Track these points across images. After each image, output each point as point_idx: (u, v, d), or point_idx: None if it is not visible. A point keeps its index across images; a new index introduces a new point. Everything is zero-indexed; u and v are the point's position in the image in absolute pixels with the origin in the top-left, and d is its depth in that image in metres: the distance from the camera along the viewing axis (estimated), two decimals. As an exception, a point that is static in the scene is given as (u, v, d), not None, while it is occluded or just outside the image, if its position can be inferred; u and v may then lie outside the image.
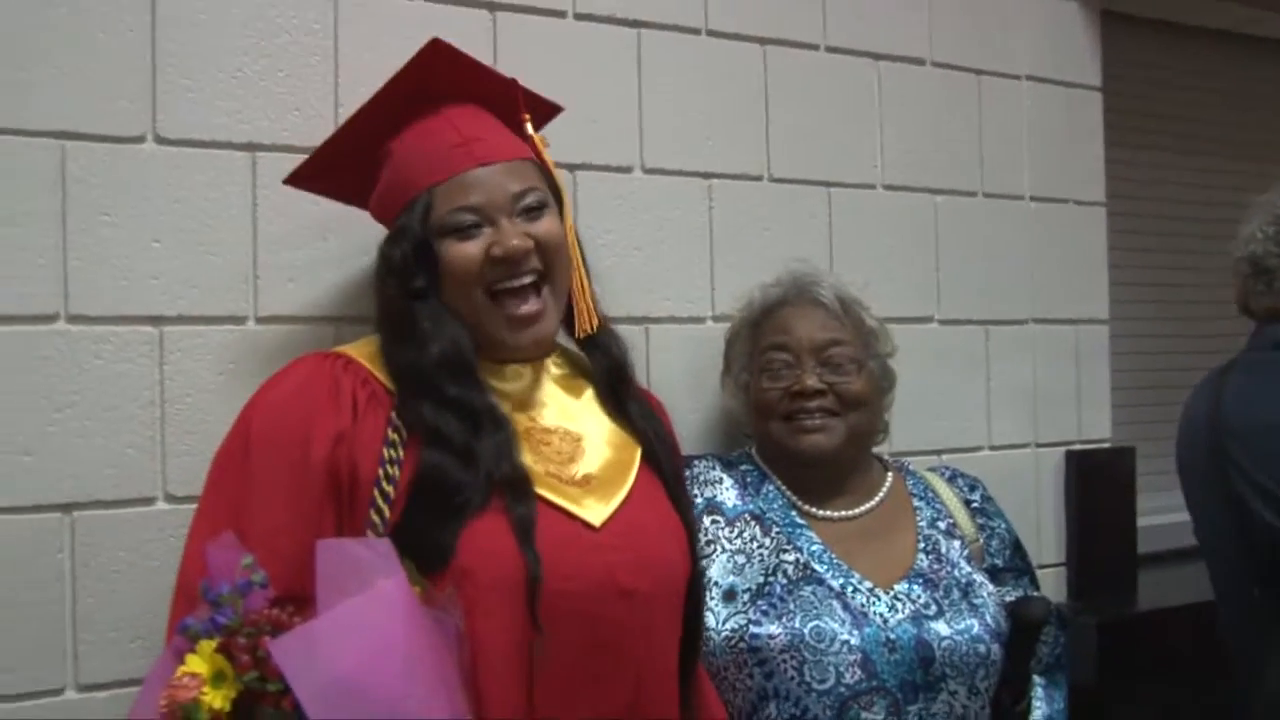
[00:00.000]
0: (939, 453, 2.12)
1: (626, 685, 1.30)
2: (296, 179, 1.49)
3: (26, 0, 1.45)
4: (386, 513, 1.25)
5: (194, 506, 1.38)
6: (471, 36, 1.69)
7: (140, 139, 1.51)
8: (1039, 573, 2.23)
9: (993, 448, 2.23)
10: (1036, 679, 1.73)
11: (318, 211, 1.58)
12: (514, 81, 1.45)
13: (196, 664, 1.12)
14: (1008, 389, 2.24)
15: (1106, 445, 2.38)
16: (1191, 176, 2.64)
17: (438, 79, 1.41)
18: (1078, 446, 2.34)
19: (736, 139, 1.94)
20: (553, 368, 1.43)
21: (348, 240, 1.60)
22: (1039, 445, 2.29)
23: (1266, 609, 1.85)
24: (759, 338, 1.70)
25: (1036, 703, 1.70)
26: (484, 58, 1.66)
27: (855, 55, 2.07)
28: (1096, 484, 2.33)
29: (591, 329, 1.41)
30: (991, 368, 2.22)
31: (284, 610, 1.14)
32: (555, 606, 1.24)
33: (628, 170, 1.84)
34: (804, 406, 1.63)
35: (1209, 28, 2.76)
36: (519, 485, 1.27)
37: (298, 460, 1.26)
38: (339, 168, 1.46)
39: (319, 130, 1.58)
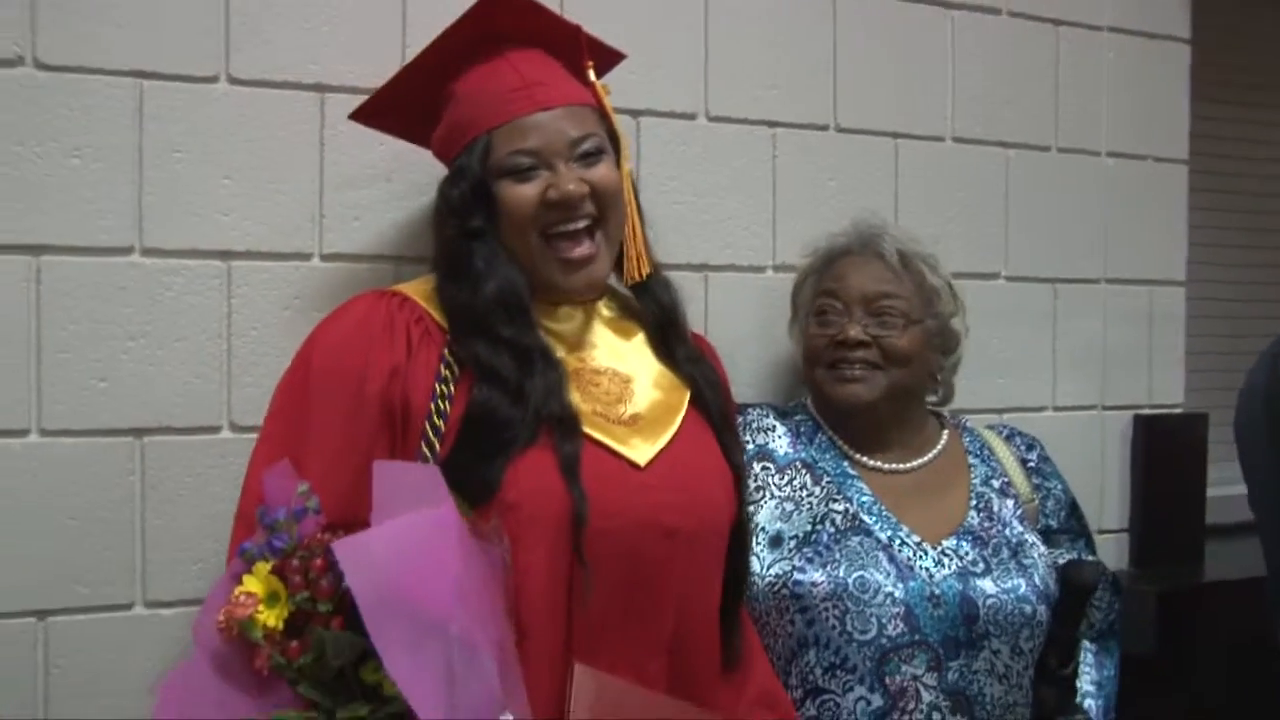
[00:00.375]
0: (1001, 411, 2.10)
1: (666, 624, 1.32)
2: (361, 114, 1.52)
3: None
4: (437, 446, 1.29)
5: (256, 435, 1.44)
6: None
7: (214, 79, 1.55)
8: (1100, 538, 2.23)
9: (1057, 408, 2.19)
10: (1087, 645, 1.72)
11: (383, 152, 1.62)
12: (578, 28, 1.46)
13: (252, 584, 1.17)
14: (1075, 350, 2.21)
15: (1178, 411, 2.34)
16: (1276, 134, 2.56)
17: (502, 22, 1.42)
18: (1147, 411, 2.30)
19: (803, 88, 1.93)
20: (604, 310, 1.46)
21: (410, 181, 1.63)
22: (1105, 408, 2.25)
23: None
24: (819, 284, 1.71)
25: (1085, 668, 1.70)
26: (550, 2, 1.68)
27: (927, 4, 2.03)
28: (1165, 450, 2.29)
29: (641, 276, 1.42)
30: (1059, 327, 2.19)
31: (335, 535, 1.18)
32: (598, 543, 1.27)
33: (692, 117, 1.83)
34: (846, 356, 1.64)
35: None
36: (568, 423, 1.30)
37: (354, 392, 1.30)
38: (402, 106, 1.48)
39: (386, 72, 1.60)
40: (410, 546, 1.14)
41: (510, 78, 1.39)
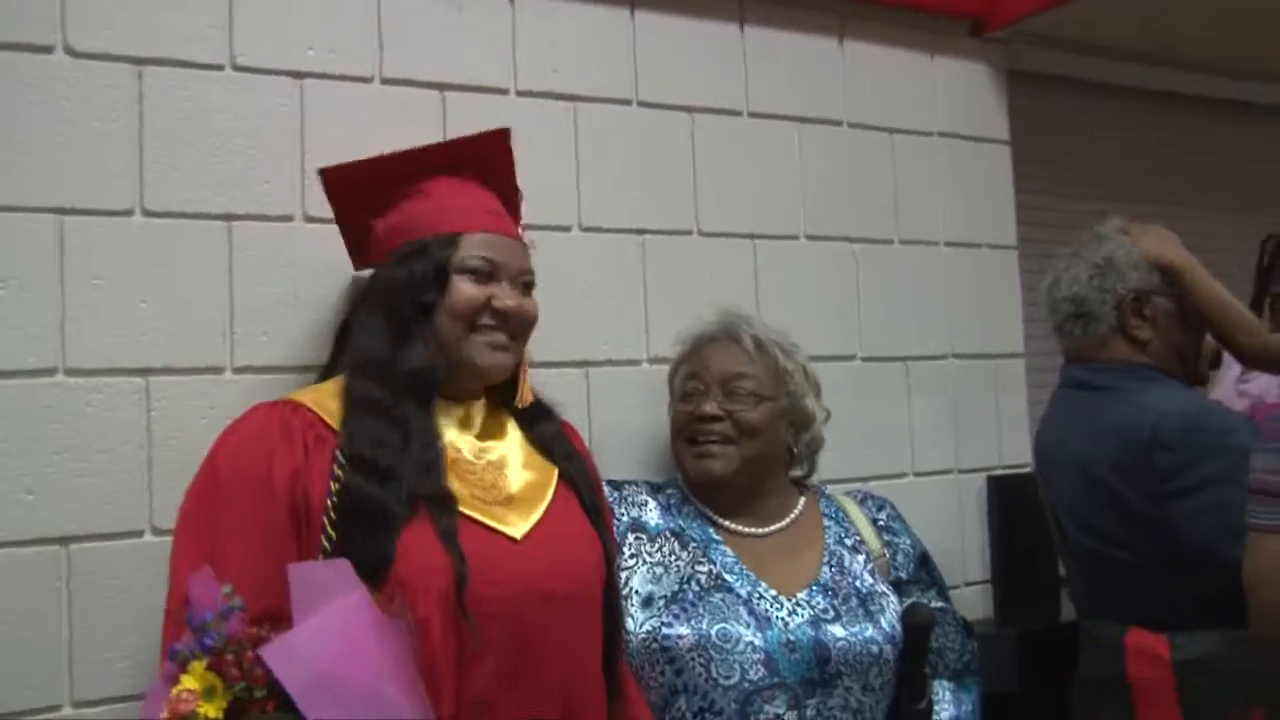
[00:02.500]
0: (866, 479, 2.30)
1: (554, 678, 1.47)
2: (332, 174, 1.66)
3: (31, 95, 1.65)
4: (334, 536, 1.42)
5: (176, 538, 1.57)
6: (423, 113, 1.91)
7: (129, 212, 1.70)
8: (965, 590, 2.44)
9: (916, 474, 2.41)
10: (945, 683, 1.90)
11: (288, 272, 1.78)
12: (520, 193, 1.71)
13: (190, 681, 1.27)
14: (929, 420, 2.43)
15: (1027, 470, 2.56)
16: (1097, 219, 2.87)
17: (486, 158, 1.66)
18: (999, 472, 2.53)
19: (667, 197, 2.14)
20: (480, 408, 1.63)
21: (314, 298, 1.79)
22: (961, 471, 2.48)
23: (1079, 609, 2.12)
24: (686, 369, 1.91)
25: (944, 705, 1.87)
26: (434, 132, 1.88)
27: (776, 119, 2.28)
28: (1017, 507, 2.49)
29: (525, 403, 1.64)
30: (913, 400, 2.41)
31: (261, 628, 1.29)
32: (484, 611, 1.41)
33: (567, 229, 2.03)
34: (702, 430, 1.83)
35: (1108, 83, 2.99)
36: (443, 500, 1.46)
37: (262, 496, 1.43)
38: (366, 182, 1.64)
39: (287, 200, 1.79)
40: (330, 635, 1.25)
41: (485, 200, 1.62)
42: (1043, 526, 2.52)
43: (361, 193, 1.64)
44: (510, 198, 1.69)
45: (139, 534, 1.67)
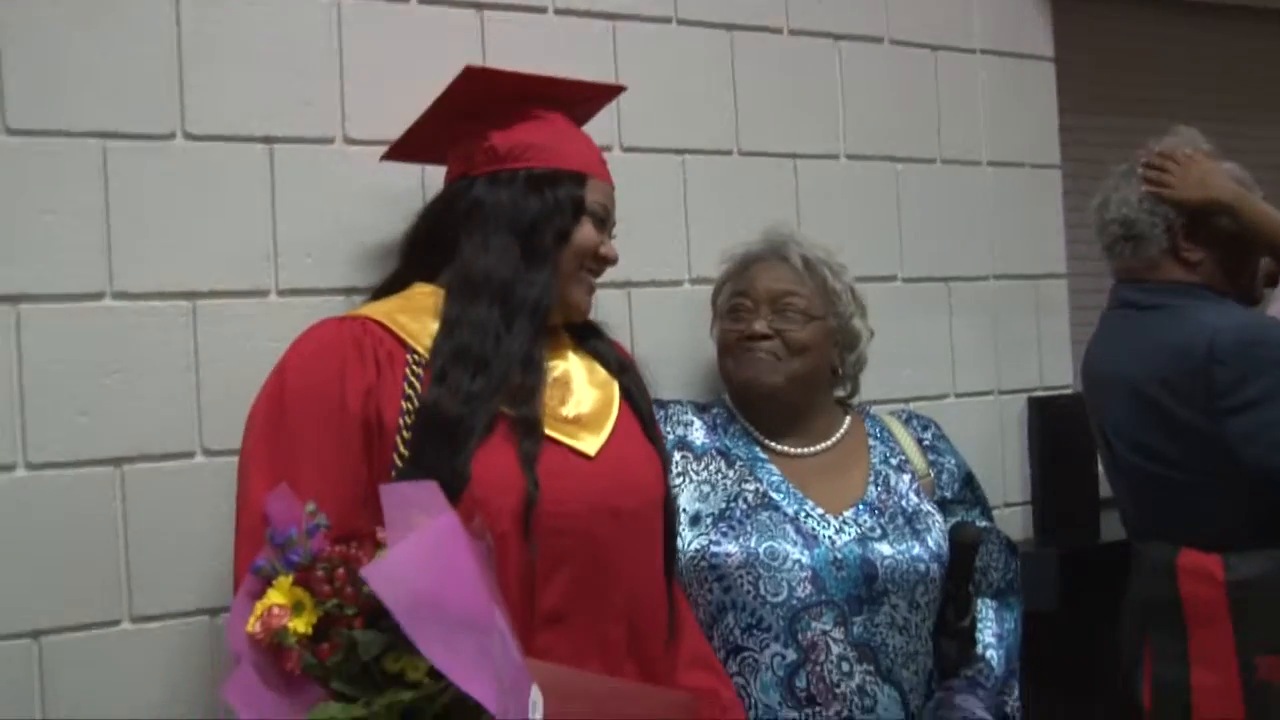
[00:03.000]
0: (907, 400, 2.29)
1: (621, 595, 1.49)
2: (475, 73, 1.60)
3: (66, 18, 1.64)
4: (407, 454, 1.43)
5: (228, 459, 1.59)
6: (461, 32, 1.89)
7: (171, 135, 1.70)
8: (1005, 510, 2.44)
9: (958, 395, 2.40)
10: (988, 601, 1.91)
11: (331, 195, 1.78)
12: None
13: (277, 596, 1.27)
14: (970, 341, 2.41)
15: (1068, 392, 2.56)
16: (1141, 139, 2.81)
17: (593, 106, 1.75)
18: (1040, 394, 2.52)
19: (707, 118, 2.12)
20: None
21: (358, 220, 1.79)
22: (1001, 393, 2.47)
23: (1130, 530, 2.12)
24: (733, 287, 1.90)
25: (987, 623, 1.88)
26: (471, 52, 1.86)
27: (816, 36, 2.24)
28: (1058, 428, 2.50)
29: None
30: (954, 322, 2.40)
31: (348, 546, 1.30)
32: (557, 527, 1.43)
33: (608, 149, 2.01)
34: (752, 348, 1.83)
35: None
36: (533, 425, 1.47)
37: (336, 413, 1.44)
38: (503, 96, 1.59)
39: (328, 123, 1.79)
40: (426, 557, 1.25)
41: (594, 148, 1.67)
42: (1083, 448, 2.54)
43: (489, 102, 1.60)
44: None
45: (190, 455, 1.69)
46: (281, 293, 1.76)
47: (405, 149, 1.71)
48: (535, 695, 1.25)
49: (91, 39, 1.65)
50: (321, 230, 1.78)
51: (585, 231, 1.58)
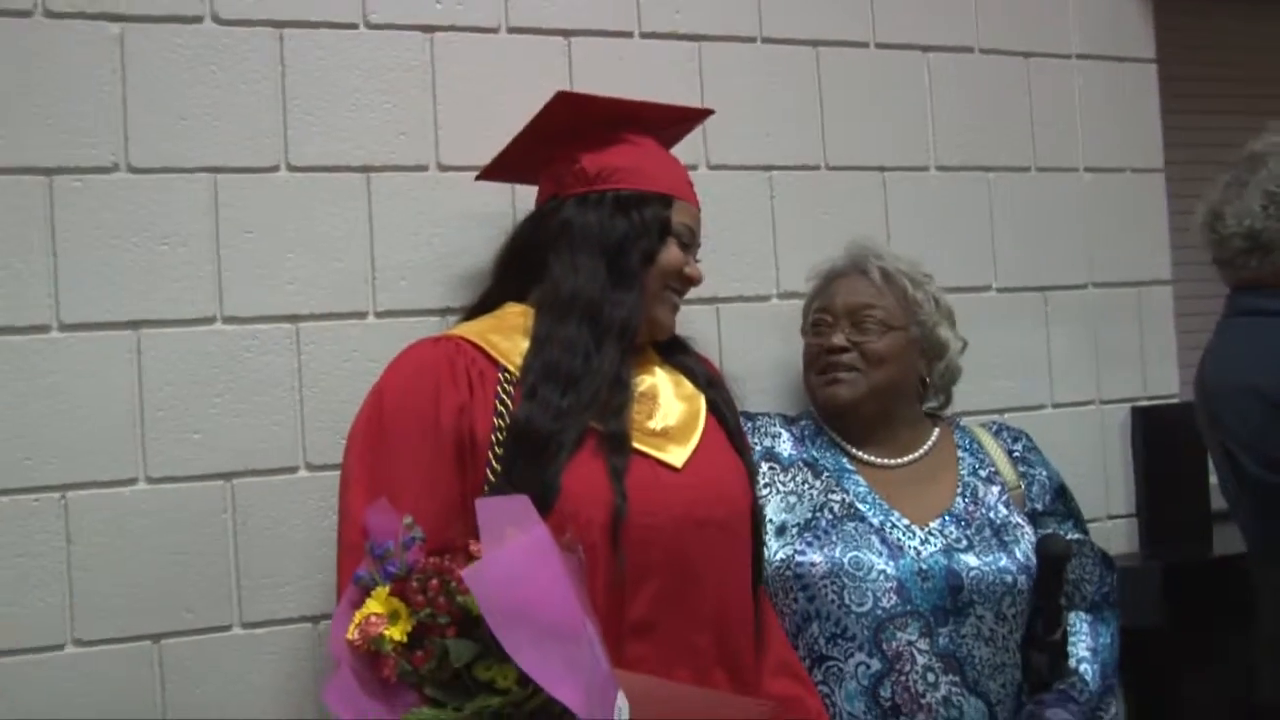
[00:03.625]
0: (1003, 411, 2.27)
1: (708, 603, 1.52)
2: (567, 98, 1.66)
3: (183, 64, 1.75)
4: (499, 468, 1.48)
5: (329, 473, 1.67)
6: (549, 59, 1.95)
7: (275, 168, 1.80)
8: (1110, 523, 2.39)
9: (1055, 405, 2.36)
10: (1082, 615, 1.88)
11: (423, 220, 1.86)
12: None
13: (375, 606, 1.33)
14: (1068, 350, 2.37)
15: (1174, 401, 2.49)
16: (1250, 138, 2.72)
17: (683, 129, 1.79)
18: (1143, 403, 2.46)
19: (794, 133, 2.14)
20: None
21: (451, 242, 1.87)
22: (1103, 402, 2.42)
23: (1257, 551, 1.98)
24: (817, 303, 1.92)
25: (1081, 637, 1.85)
26: (559, 78, 1.92)
27: (903, 49, 2.24)
28: (1164, 439, 2.43)
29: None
30: (1051, 330, 2.36)
31: (442, 559, 1.35)
32: (645, 539, 1.47)
33: (694, 168, 2.05)
34: (831, 361, 1.84)
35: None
36: (622, 440, 1.51)
37: (429, 431, 1.50)
38: (595, 120, 1.64)
39: (422, 151, 1.86)
40: (519, 564, 1.30)
41: (682, 169, 1.71)
42: (1193, 459, 2.46)
43: (580, 126, 1.65)
44: None
45: (294, 470, 1.78)
46: (379, 314, 1.84)
47: (498, 170, 1.77)
48: (621, 701, 1.28)
49: (204, 81, 1.76)
50: (416, 253, 1.86)
51: (671, 252, 1.62)
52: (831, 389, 1.84)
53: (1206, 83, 2.74)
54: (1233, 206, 1.99)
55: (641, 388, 1.62)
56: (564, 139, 1.65)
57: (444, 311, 1.85)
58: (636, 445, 1.53)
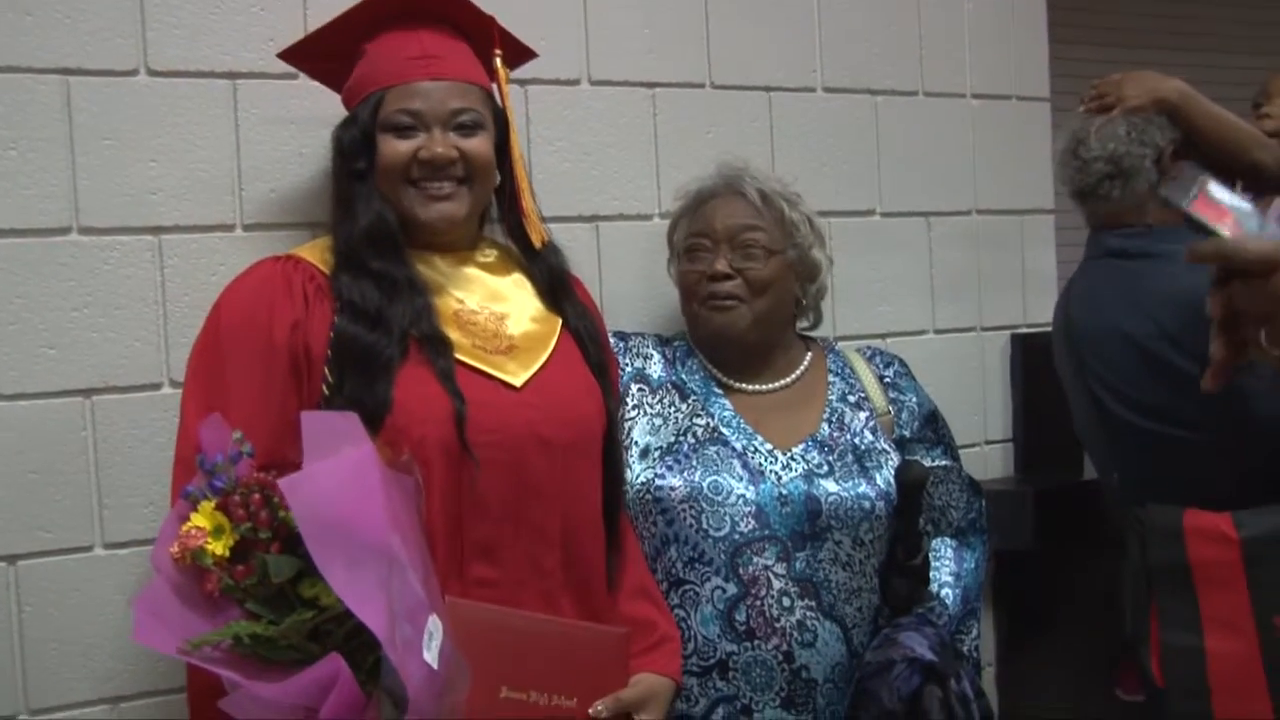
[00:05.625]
0: (884, 336, 2.29)
1: (554, 524, 1.52)
2: (288, 54, 1.69)
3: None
4: (332, 382, 1.47)
5: (188, 392, 1.62)
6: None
7: (134, 72, 1.72)
8: (986, 448, 2.45)
9: (937, 331, 2.40)
10: (948, 540, 1.91)
11: (293, 130, 1.80)
12: (492, 19, 1.65)
13: (200, 519, 1.34)
14: (951, 277, 2.40)
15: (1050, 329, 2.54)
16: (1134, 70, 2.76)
17: (434, 2, 1.61)
18: (1023, 330, 2.50)
19: (678, 50, 2.10)
20: (480, 257, 1.65)
21: (320, 155, 1.79)
22: (984, 329, 2.46)
23: (1125, 492, 2.01)
24: (690, 226, 1.88)
25: (945, 562, 1.89)
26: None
27: (793, -36, 2.21)
28: (1042, 366, 2.45)
29: (540, 246, 1.64)
30: (934, 257, 2.38)
31: (269, 474, 1.35)
32: (482, 456, 1.46)
33: (576, 83, 2.01)
34: (715, 290, 1.80)
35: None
36: (437, 341, 1.49)
37: (263, 346, 1.48)
38: (323, 54, 1.66)
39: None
40: (341, 482, 1.30)
41: (413, 47, 1.58)
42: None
43: (324, 64, 1.65)
44: (468, 29, 1.64)
45: (157, 386, 1.73)
46: (246, 227, 1.78)
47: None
48: (433, 626, 1.28)
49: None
50: (285, 166, 1.80)
51: (383, 150, 1.56)
52: (720, 317, 1.81)
53: (1094, 14, 2.77)
54: (1099, 131, 2.01)
55: (495, 306, 1.59)
56: (337, 81, 1.66)
57: (313, 225, 1.79)
58: (472, 361, 1.52)
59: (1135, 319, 1.93)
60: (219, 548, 1.32)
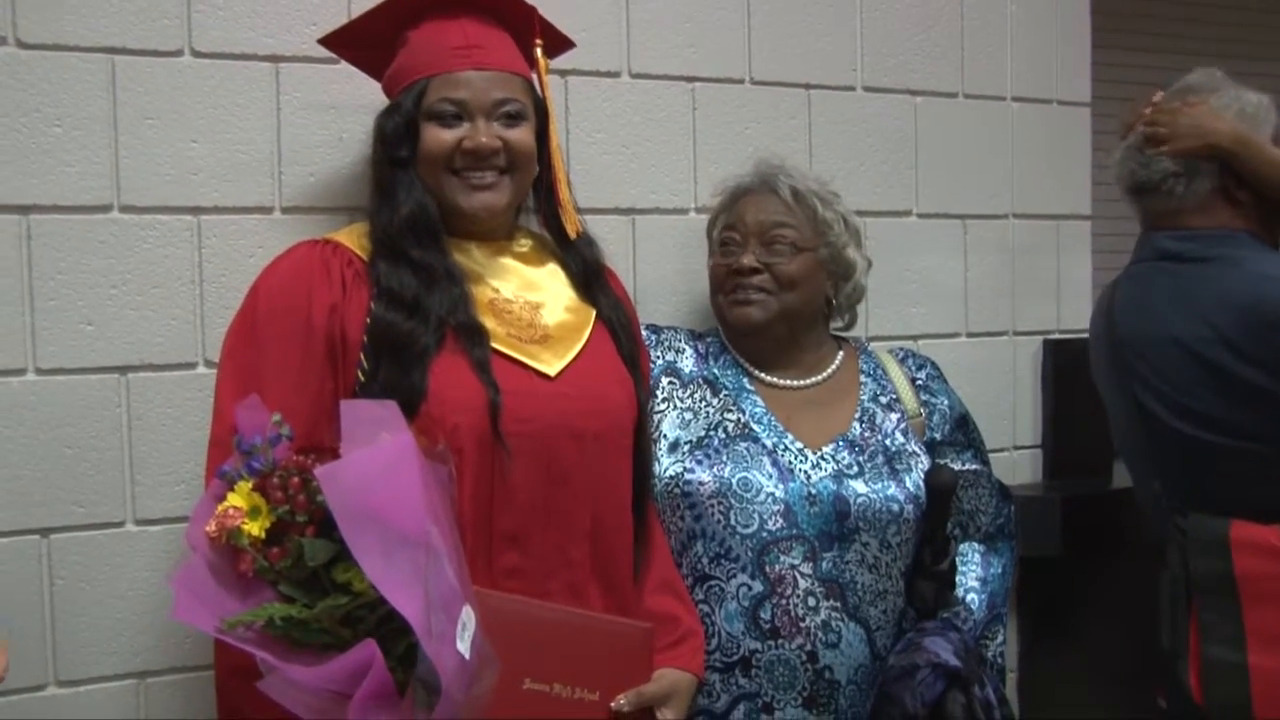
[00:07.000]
0: (916, 338, 2.28)
1: (583, 515, 1.53)
2: (329, 41, 1.69)
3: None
4: (368, 368, 1.47)
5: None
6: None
7: (179, 53, 1.73)
8: (1015, 454, 2.43)
9: (970, 334, 2.38)
10: (975, 545, 1.91)
11: (334, 114, 1.80)
12: (533, 9, 1.66)
13: (236, 500, 1.34)
14: (985, 280, 2.38)
15: (1087, 335, 2.51)
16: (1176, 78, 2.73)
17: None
18: (1056, 336, 2.49)
19: (718, 45, 2.09)
20: (516, 247, 1.65)
21: (359, 140, 1.80)
22: (1017, 333, 2.44)
23: (1167, 503, 1.97)
24: (724, 221, 1.88)
25: (972, 567, 1.88)
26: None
27: (836, -36, 2.20)
28: (1074, 372, 2.43)
29: (575, 236, 1.64)
30: (969, 260, 2.37)
31: (307, 457, 1.36)
32: (515, 446, 1.46)
33: (616, 75, 2.01)
34: (741, 283, 1.81)
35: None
36: (474, 331, 1.50)
37: (302, 330, 1.49)
38: (364, 41, 1.66)
39: (333, 42, 1.80)
40: (378, 470, 1.30)
41: (456, 36, 1.58)
42: (1099, 395, 2.49)
43: (365, 52, 1.65)
44: (509, 19, 1.63)
45: (192, 366, 1.74)
46: (285, 210, 1.79)
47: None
48: (466, 617, 1.28)
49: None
50: (326, 150, 1.81)
51: (426, 139, 1.56)
52: (742, 309, 1.82)
53: (1138, 19, 2.74)
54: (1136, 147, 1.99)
55: (530, 295, 1.60)
56: (378, 69, 1.66)
57: (351, 209, 1.80)
58: (507, 350, 1.52)
59: (1189, 324, 1.87)
60: (255, 529, 1.32)
